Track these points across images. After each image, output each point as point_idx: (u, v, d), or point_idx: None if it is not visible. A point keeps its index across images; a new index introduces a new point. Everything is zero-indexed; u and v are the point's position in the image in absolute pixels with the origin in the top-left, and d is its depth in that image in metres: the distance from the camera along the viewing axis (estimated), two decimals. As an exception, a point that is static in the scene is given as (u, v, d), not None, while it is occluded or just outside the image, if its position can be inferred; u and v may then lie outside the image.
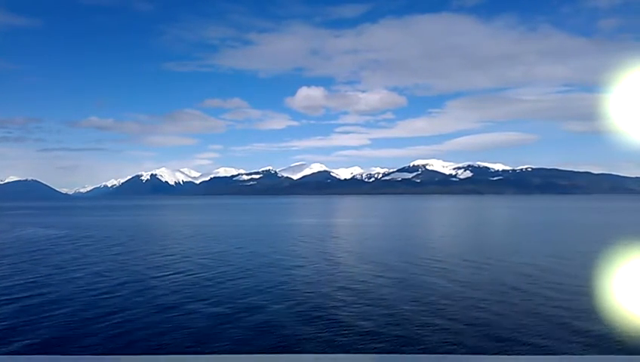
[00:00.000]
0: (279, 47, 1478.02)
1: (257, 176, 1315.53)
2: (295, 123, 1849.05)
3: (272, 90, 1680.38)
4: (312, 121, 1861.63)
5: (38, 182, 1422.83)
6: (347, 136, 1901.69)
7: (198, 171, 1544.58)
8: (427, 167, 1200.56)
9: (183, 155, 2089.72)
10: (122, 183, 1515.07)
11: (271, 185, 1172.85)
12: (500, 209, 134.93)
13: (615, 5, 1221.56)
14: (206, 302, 19.71)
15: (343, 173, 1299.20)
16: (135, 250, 37.17)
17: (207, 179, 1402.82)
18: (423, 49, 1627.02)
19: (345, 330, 15.86)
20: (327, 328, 16.14)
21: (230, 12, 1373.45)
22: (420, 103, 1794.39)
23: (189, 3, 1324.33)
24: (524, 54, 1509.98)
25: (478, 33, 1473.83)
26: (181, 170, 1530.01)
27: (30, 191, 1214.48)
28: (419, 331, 15.73)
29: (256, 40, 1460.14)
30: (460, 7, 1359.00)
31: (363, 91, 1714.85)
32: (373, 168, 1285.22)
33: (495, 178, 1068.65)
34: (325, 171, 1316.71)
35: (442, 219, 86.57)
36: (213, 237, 49.41)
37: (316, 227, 64.66)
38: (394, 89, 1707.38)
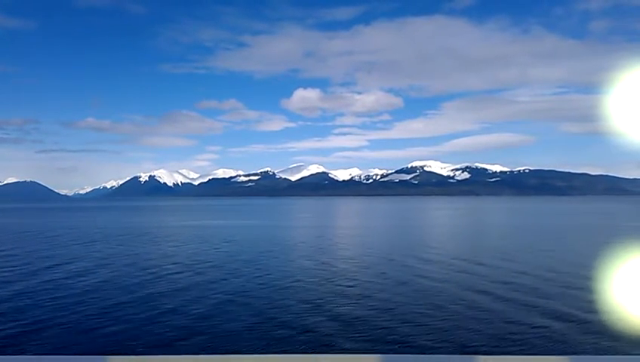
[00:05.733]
0: (273, 49, 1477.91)
1: (255, 178, 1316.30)
2: (292, 124, 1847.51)
3: (267, 91, 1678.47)
4: (308, 123, 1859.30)
5: (37, 183, 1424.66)
6: (345, 137, 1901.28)
7: (196, 172, 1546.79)
8: (425, 168, 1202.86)
9: (181, 156, 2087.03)
10: (121, 184, 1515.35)
11: (269, 187, 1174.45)
12: (488, 211, 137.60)
13: (606, 8, 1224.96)
14: (192, 302, 20.22)
15: (342, 175, 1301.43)
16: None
17: (206, 180, 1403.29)
18: (417, 51, 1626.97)
19: (344, 330, 15.88)
20: (326, 328, 16.14)
21: (224, 14, 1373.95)
22: (415, 104, 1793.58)
23: (183, 5, 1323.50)
24: (518, 56, 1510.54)
25: (471, 35, 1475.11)
26: (180, 171, 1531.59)
27: (29, 193, 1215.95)
28: (417, 331, 15.72)
29: (251, 42, 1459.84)
30: (452, 10, 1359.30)
31: (359, 93, 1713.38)
32: (372, 169, 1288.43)
33: (492, 179, 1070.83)
34: (324, 172, 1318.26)
35: (435, 221, 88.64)
36: (173, 239, 50.75)
37: (305, 229, 67.65)
38: (389, 90, 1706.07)
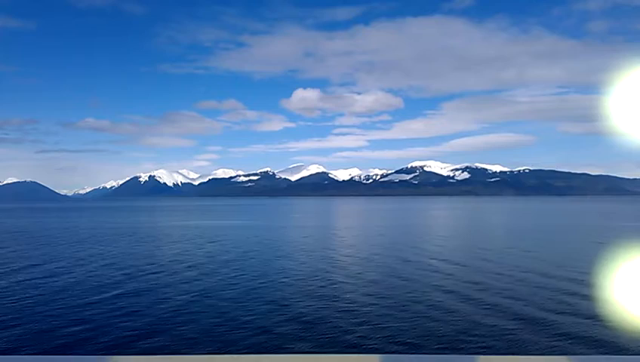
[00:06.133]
0: (273, 49, 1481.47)
1: (255, 178, 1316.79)
2: (292, 124, 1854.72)
3: (267, 91, 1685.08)
4: (308, 123, 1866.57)
5: (37, 183, 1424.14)
6: (345, 137, 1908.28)
7: (196, 173, 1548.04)
8: (425, 168, 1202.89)
9: (181, 156, 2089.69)
10: (121, 184, 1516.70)
11: (269, 187, 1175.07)
12: (486, 211, 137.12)
13: (605, 8, 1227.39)
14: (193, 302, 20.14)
15: (342, 175, 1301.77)
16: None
17: (206, 180, 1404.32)
18: (416, 51, 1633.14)
19: (343, 331, 15.79)
20: (326, 328, 16.05)
21: (223, 14, 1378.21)
22: (415, 105, 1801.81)
23: (182, 5, 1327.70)
24: (517, 56, 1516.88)
25: (470, 35, 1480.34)
26: (180, 171, 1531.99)
27: (29, 193, 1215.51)
28: (417, 332, 15.65)
29: (250, 42, 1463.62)
30: (452, 10, 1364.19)
31: (358, 93, 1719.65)
32: (372, 169, 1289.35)
33: (492, 179, 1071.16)
34: (323, 172, 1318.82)
35: (431, 222, 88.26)
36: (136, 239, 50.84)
37: (296, 229, 67.16)
38: (389, 90, 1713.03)
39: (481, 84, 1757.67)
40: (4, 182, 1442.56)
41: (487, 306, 19.01)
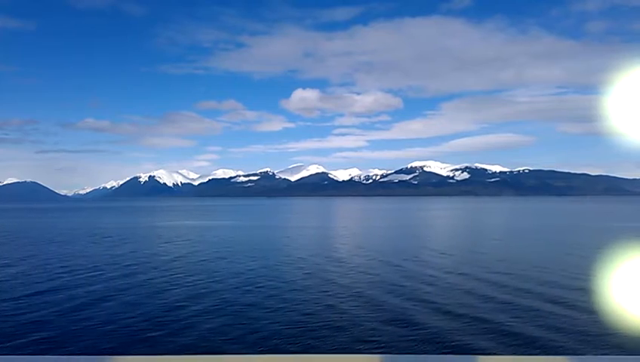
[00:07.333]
0: (272, 50, 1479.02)
1: (255, 178, 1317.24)
2: (291, 125, 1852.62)
3: (266, 92, 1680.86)
4: (308, 123, 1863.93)
5: (37, 183, 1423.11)
6: (344, 137, 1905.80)
7: (197, 173, 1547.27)
8: (424, 168, 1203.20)
9: (181, 157, 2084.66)
10: (121, 185, 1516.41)
11: (269, 187, 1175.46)
12: (483, 211, 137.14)
13: (603, 9, 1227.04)
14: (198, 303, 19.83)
15: (341, 175, 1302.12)
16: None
17: (205, 180, 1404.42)
18: (415, 51, 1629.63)
19: (342, 331, 15.66)
20: (324, 329, 15.96)
21: (222, 15, 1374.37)
22: (414, 105, 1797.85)
23: (182, 6, 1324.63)
24: (515, 56, 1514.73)
25: (469, 35, 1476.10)
26: (180, 171, 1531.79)
27: (29, 193, 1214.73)
28: (417, 332, 15.55)
29: (249, 42, 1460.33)
30: (450, 10, 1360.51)
31: (358, 93, 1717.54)
32: (371, 170, 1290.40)
33: (492, 179, 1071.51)
34: (323, 173, 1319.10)
35: (426, 222, 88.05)
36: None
37: (282, 229, 66.84)
38: (388, 91, 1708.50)
39: (480, 85, 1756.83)
40: (4, 183, 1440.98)
41: (484, 306, 19.00)
